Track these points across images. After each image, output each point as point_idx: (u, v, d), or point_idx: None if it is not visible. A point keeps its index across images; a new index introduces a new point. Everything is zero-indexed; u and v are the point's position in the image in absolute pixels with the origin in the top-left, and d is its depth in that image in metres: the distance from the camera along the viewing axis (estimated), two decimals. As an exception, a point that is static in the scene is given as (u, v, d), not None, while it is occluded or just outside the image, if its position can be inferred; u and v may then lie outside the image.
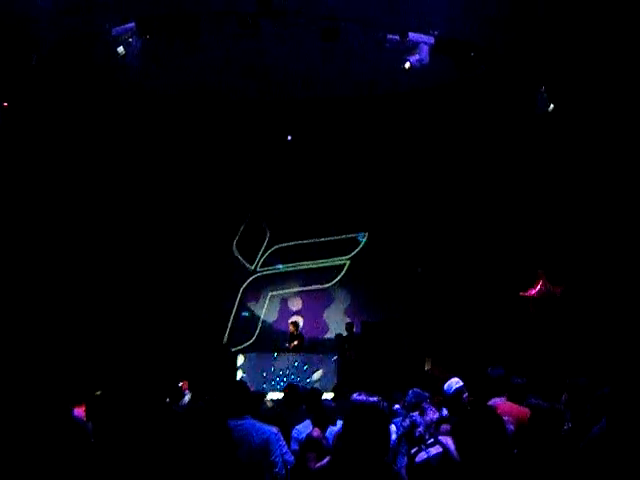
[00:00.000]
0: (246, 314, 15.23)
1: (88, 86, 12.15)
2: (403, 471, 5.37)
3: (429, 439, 5.48)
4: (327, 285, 15.15)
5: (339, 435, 4.25)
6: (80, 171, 13.10)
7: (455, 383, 6.29)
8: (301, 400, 7.24)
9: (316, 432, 6.08)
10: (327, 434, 6.10)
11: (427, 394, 6.76)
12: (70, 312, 12.75)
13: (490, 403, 5.82)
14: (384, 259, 14.55)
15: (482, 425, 3.67)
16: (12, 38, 10.49)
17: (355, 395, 5.87)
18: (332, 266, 15.19)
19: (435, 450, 5.23)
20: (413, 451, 5.39)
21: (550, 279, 11.92)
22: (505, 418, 4.10)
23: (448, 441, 5.38)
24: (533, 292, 12.07)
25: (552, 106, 11.13)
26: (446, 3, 9.76)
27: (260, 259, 15.39)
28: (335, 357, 13.75)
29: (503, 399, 5.88)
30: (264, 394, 9.16)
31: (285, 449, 5.77)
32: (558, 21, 9.91)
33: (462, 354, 11.75)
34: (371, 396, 5.78)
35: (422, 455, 5.27)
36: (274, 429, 5.69)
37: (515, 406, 5.68)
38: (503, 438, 3.61)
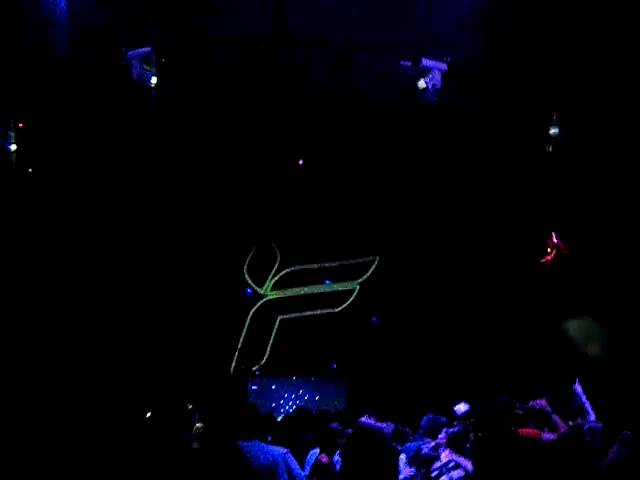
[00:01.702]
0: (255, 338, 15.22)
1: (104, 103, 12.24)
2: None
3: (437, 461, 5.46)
4: (337, 309, 15.13)
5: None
6: (91, 190, 13.19)
7: (463, 405, 6.31)
8: (311, 424, 7.22)
9: (324, 458, 6.04)
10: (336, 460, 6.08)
11: (443, 419, 6.74)
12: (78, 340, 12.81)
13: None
14: (394, 283, 14.57)
15: (498, 447, 3.65)
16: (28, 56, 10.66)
17: (363, 418, 5.82)
18: (342, 291, 15.20)
19: (457, 474, 5.21)
20: (434, 474, 5.37)
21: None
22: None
23: (467, 464, 5.37)
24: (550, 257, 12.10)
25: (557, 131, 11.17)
26: (459, 30, 9.84)
27: (270, 283, 15.38)
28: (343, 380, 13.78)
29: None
30: (273, 417, 9.14)
31: (294, 466, 5.74)
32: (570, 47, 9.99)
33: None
34: (380, 421, 5.75)
35: (444, 479, 5.25)
36: (283, 450, 5.69)
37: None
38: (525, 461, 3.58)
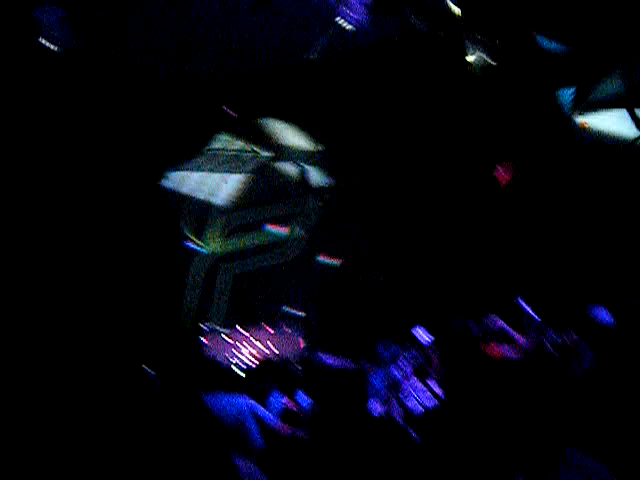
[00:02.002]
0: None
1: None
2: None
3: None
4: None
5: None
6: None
7: (425, 335, 6.33)
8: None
9: (289, 402, 6.02)
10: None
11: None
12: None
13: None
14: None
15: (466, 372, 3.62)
16: None
17: (323, 356, 5.81)
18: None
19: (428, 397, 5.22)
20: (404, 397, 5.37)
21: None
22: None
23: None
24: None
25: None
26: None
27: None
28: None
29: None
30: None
31: (263, 414, 5.71)
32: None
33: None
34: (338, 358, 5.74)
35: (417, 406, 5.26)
36: (247, 400, 5.63)
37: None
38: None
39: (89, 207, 12.97)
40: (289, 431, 5.73)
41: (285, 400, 6.03)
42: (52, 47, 9.76)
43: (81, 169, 13.03)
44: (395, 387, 5.62)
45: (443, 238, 12.92)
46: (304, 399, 5.97)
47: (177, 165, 14.04)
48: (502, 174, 12.22)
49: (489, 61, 11.12)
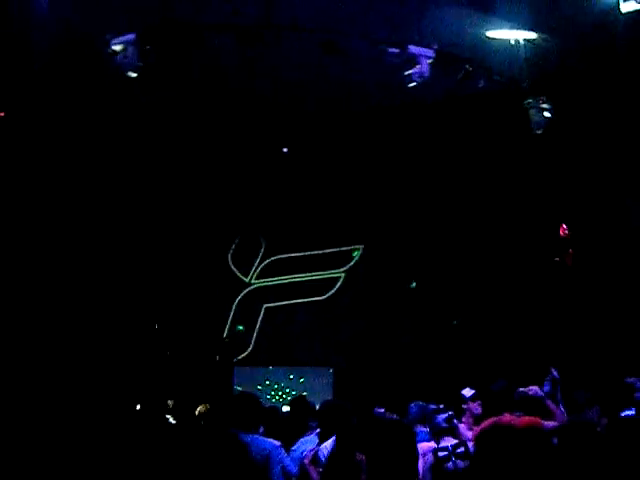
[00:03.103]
0: (240, 327, 15.14)
1: (86, 94, 12.07)
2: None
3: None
4: (322, 297, 15.09)
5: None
6: (76, 178, 12.99)
7: (469, 390, 6.33)
8: (309, 413, 7.17)
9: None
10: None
11: (432, 406, 6.71)
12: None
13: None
14: (380, 272, 14.55)
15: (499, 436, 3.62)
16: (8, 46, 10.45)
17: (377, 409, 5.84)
18: (327, 278, 15.16)
19: (464, 464, 5.21)
20: (442, 455, 5.35)
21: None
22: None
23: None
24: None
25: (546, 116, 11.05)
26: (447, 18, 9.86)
27: (255, 271, 15.32)
28: (331, 370, 13.75)
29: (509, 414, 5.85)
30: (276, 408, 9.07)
31: (286, 461, 5.71)
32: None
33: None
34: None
35: (451, 465, 5.25)
36: (276, 443, 5.63)
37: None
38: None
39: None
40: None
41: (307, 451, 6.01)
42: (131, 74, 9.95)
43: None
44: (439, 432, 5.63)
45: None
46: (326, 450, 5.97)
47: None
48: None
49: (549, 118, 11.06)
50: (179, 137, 13.62)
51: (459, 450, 5.38)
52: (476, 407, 6.41)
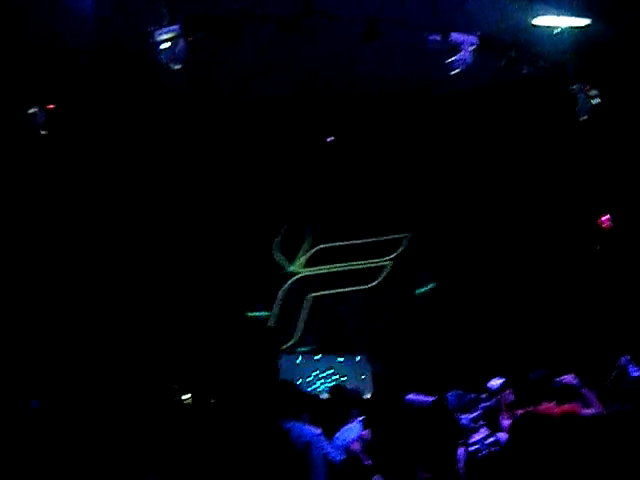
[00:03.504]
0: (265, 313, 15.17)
1: (131, 89, 12.23)
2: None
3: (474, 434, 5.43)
4: (369, 286, 15.08)
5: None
6: (116, 171, 13.23)
7: (497, 380, 6.30)
8: (350, 401, 7.18)
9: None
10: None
11: (472, 395, 6.69)
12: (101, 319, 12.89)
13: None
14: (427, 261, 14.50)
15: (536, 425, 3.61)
16: (50, 42, 10.66)
17: (411, 395, 5.84)
18: (374, 267, 15.14)
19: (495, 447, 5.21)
20: (473, 449, 5.35)
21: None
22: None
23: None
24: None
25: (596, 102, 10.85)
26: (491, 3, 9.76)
27: (301, 260, 15.36)
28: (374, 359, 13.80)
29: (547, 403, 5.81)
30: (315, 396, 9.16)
31: (328, 448, 5.74)
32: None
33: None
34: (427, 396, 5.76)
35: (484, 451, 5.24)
36: (316, 431, 5.66)
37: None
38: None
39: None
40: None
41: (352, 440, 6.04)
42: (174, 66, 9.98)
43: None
44: (465, 431, 5.60)
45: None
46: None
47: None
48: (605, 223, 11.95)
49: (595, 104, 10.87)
50: (228, 129, 13.72)
51: (489, 440, 5.37)
52: (509, 395, 6.37)
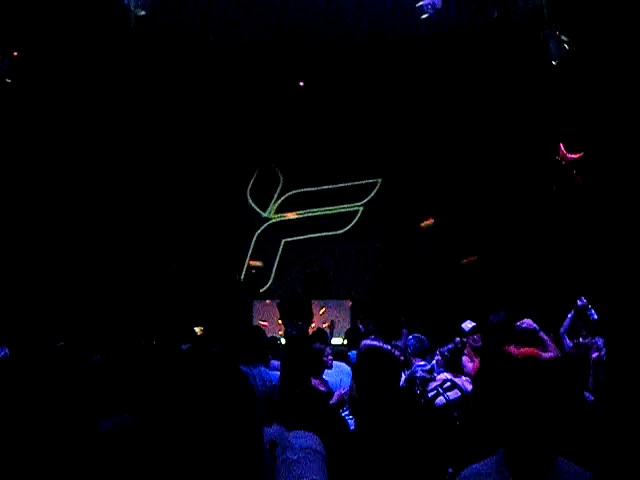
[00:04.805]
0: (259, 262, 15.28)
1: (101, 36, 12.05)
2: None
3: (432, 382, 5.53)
4: (340, 231, 15.18)
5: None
6: (86, 120, 13.12)
7: (469, 323, 6.41)
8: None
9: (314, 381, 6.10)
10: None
11: (427, 340, 6.78)
12: (80, 255, 12.92)
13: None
14: (398, 205, 14.58)
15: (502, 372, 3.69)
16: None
17: (367, 340, 5.89)
18: (345, 212, 15.23)
19: (454, 395, 5.29)
20: (431, 395, 5.43)
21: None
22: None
23: (465, 384, 5.46)
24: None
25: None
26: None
27: (273, 206, 15.42)
28: (350, 303, 13.92)
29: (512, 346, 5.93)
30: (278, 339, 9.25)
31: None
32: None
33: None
34: (385, 343, 5.79)
35: (441, 399, 5.33)
36: (276, 376, 5.71)
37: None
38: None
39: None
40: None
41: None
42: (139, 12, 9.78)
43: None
44: (423, 381, 5.70)
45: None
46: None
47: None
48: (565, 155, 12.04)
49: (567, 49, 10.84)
50: (195, 74, 13.58)
51: (446, 385, 5.47)
52: (476, 339, 6.51)
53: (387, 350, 4.54)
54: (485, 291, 12.24)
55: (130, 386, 5.21)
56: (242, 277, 15.14)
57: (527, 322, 5.77)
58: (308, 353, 6.11)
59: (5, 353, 6.63)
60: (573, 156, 11.76)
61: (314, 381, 5.91)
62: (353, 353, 7.81)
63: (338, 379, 6.15)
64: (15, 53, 10.34)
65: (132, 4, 9.47)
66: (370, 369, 3.80)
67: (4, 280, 11.74)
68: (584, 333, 6.75)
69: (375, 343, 5.75)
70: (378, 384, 3.68)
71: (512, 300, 9.95)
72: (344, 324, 13.18)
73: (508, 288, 11.95)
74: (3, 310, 10.92)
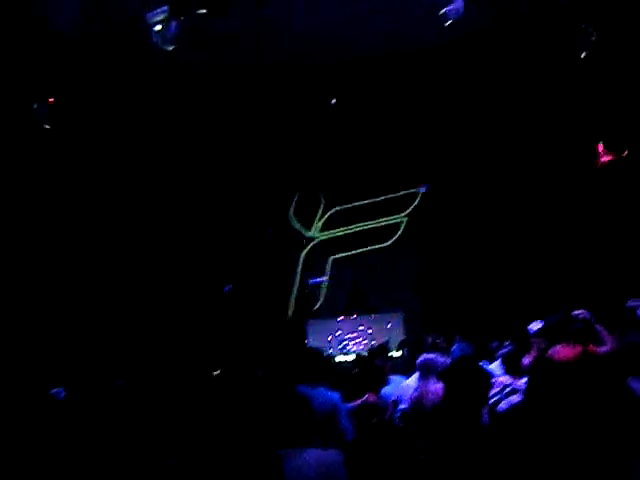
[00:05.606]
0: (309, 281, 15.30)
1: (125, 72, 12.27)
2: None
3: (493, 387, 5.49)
4: (386, 244, 15.14)
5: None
6: (126, 144, 13.35)
7: (537, 324, 6.35)
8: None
9: (371, 397, 6.09)
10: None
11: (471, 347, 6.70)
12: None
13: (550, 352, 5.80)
14: (442, 214, 14.51)
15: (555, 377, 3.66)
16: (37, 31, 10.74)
17: (425, 355, 5.87)
18: (390, 225, 15.18)
19: (516, 399, 5.24)
20: (492, 401, 5.38)
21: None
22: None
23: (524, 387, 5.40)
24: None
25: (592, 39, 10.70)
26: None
27: (317, 225, 15.44)
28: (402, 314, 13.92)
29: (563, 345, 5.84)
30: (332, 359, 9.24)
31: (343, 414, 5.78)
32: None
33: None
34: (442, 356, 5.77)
35: (503, 405, 5.28)
36: (337, 394, 5.70)
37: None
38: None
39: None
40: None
41: (368, 396, 6.11)
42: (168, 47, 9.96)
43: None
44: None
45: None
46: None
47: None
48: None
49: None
50: (231, 101, 13.72)
51: (507, 389, 5.41)
52: (542, 342, 6.41)
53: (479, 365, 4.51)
54: (533, 294, 12.12)
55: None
56: (294, 298, 15.18)
57: (583, 312, 5.73)
58: (371, 370, 6.14)
59: (61, 394, 6.73)
60: (609, 157, 11.61)
61: (370, 396, 5.93)
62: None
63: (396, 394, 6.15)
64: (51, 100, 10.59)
65: (160, 41, 9.67)
66: (463, 383, 3.82)
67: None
68: None
69: (432, 356, 5.76)
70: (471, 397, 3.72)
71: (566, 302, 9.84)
72: (398, 336, 13.17)
73: (559, 291, 11.78)
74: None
